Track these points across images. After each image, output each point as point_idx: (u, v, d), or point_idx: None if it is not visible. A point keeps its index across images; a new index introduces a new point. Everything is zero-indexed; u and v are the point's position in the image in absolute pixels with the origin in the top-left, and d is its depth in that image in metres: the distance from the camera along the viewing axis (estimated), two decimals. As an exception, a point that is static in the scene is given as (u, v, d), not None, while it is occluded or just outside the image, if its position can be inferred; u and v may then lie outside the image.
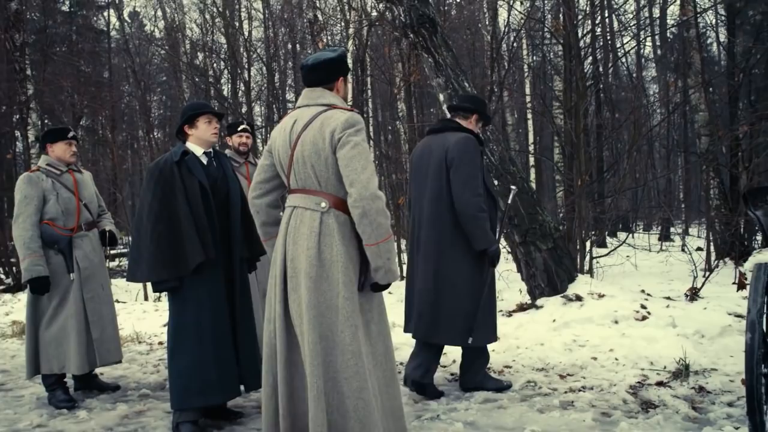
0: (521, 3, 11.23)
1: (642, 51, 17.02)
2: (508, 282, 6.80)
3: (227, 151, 4.70)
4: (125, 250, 11.92)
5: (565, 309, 5.02)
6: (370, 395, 2.36)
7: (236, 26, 15.54)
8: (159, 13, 18.01)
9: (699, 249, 8.47)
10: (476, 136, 3.65)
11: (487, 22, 12.65)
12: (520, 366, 4.20)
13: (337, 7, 13.50)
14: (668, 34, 17.55)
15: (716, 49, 17.51)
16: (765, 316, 2.24)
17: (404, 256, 9.06)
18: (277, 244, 2.57)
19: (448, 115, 4.00)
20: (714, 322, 4.59)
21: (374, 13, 10.67)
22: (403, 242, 9.24)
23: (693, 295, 5.56)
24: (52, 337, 3.72)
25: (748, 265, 2.37)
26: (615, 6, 12.48)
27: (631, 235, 9.56)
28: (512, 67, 11.78)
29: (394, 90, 10.38)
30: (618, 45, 12.41)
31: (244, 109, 13.77)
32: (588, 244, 6.96)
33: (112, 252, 11.07)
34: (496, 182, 3.55)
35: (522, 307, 5.45)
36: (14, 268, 9.32)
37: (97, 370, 4.10)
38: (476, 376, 3.69)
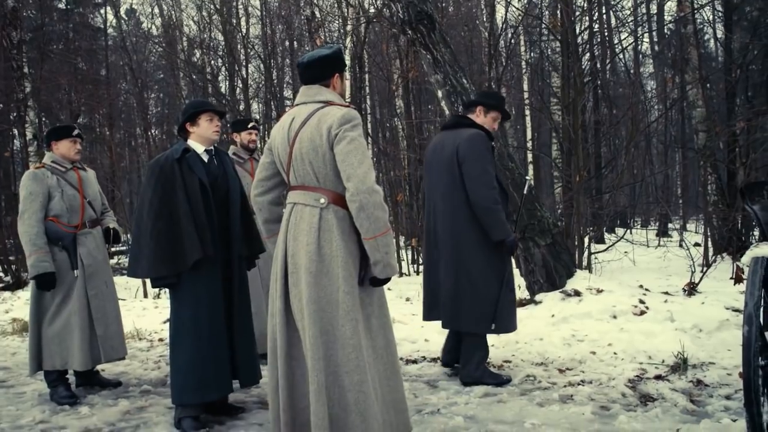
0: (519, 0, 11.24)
1: (639, 47, 17.02)
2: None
3: (232, 148, 4.73)
4: (125, 248, 11.93)
5: (564, 304, 5.04)
6: (370, 388, 2.38)
7: (234, 23, 15.52)
8: (156, 10, 18.00)
9: (697, 245, 8.51)
10: (487, 132, 3.74)
11: (484, 19, 12.65)
12: (519, 360, 4.22)
13: (334, 3, 13.50)
14: (666, 31, 17.55)
15: (713, 45, 17.54)
16: (762, 309, 2.26)
17: (403, 253, 9.09)
18: (278, 240, 2.60)
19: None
20: (712, 316, 4.62)
21: (372, 10, 10.68)
22: (402, 239, 9.25)
23: (691, 289, 5.59)
24: (55, 334, 3.74)
25: (745, 259, 2.38)
26: (612, 2, 12.49)
27: (629, 230, 9.60)
28: (510, 63, 11.81)
29: (392, 87, 10.39)
30: (615, 41, 12.40)
31: (241, 107, 13.78)
32: (586, 239, 6.99)
33: (113, 250, 11.08)
34: (528, 178, 3.71)
35: (521, 303, 5.47)
36: (14, 266, 9.32)
37: (99, 367, 4.12)
38: (476, 370, 3.71)
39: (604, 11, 12.86)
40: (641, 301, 4.90)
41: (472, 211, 3.60)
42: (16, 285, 8.99)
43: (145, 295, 8.03)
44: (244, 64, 14.44)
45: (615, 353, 4.20)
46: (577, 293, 5.12)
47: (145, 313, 6.56)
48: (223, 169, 3.33)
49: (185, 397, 3.11)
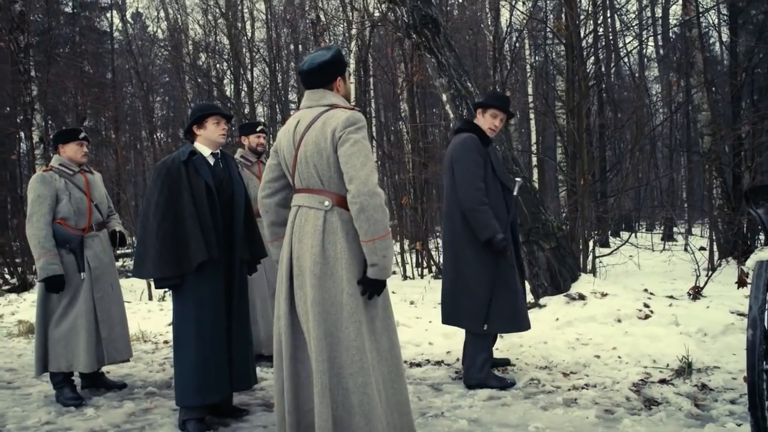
0: (523, 3, 11.25)
1: (644, 51, 17.02)
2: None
3: (240, 151, 4.77)
4: (130, 251, 11.96)
5: (569, 308, 5.04)
6: (374, 390, 2.39)
7: (239, 27, 15.58)
8: (162, 14, 18.08)
9: (702, 249, 8.48)
10: (483, 135, 3.81)
11: (489, 23, 12.65)
12: (523, 364, 4.22)
13: (339, 7, 13.54)
14: (671, 34, 17.54)
15: (719, 48, 17.49)
16: (767, 312, 2.25)
17: (408, 257, 9.09)
18: (283, 243, 2.61)
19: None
20: (717, 320, 4.61)
21: (377, 14, 10.70)
22: (407, 242, 9.25)
23: (696, 293, 5.58)
24: (61, 336, 3.76)
25: (750, 263, 2.38)
26: (617, 6, 12.49)
27: (634, 234, 9.58)
28: (515, 67, 11.81)
29: (396, 90, 10.41)
30: (620, 45, 12.40)
31: (247, 110, 13.81)
32: (591, 243, 6.98)
33: (118, 252, 11.11)
34: (519, 179, 3.76)
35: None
36: (20, 269, 9.36)
37: (104, 369, 4.13)
38: (479, 372, 3.72)
39: (608, 15, 12.86)
40: (646, 305, 4.89)
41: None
42: (23, 287, 9.03)
43: (150, 298, 8.05)
44: (249, 67, 14.49)
45: (619, 357, 4.19)
46: (582, 297, 5.12)
47: (150, 315, 6.58)
48: (228, 173, 3.35)
49: (188, 399, 3.12)
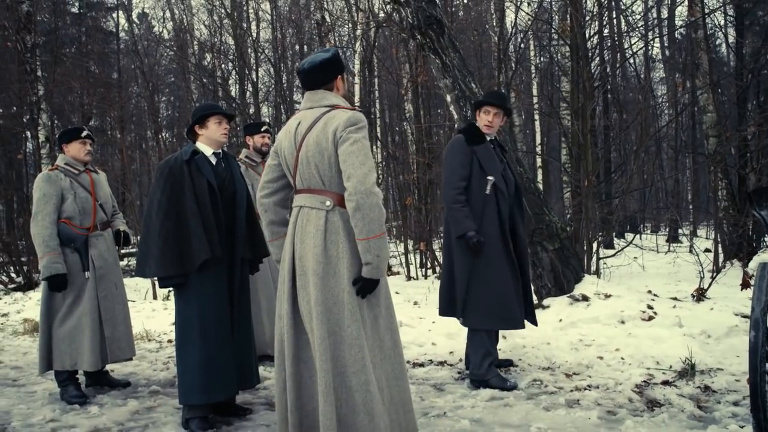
0: (528, 4, 11.24)
1: (650, 52, 16.98)
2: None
3: (245, 151, 4.78)
4: (134, 250, 12.00)
5: (572, 309, 5.03)
6: (376, 388, 2.41)
7: (244, 27, 15.62)
8: (167, 14, 18.14)
9: (707, 250, 8.44)
10: (473, 133, 3.88)
11: (494, 24, 12.65)
12: (526, 365, 4.22)
13: (344, 8, 13.56)
14: (676, 35, 17.50)
15: (725, 49, 17.44)
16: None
17: (412, 257, 9.08)
18: (285, 243, 2.63)
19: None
20: (720, 322, 4.60)
21: (382, 15, 10.72)
22: (410, 242, 9.25)
23: (700, 295, 5.56)
24: (65, 334, 3.78)
25: (753, 265, 2.38)
26: (623, 7, 12.46)
27: (638, 235, 9.54)
28: (519, 68, 11.80)
29: (401, 91, 10.41)
30: (626, 46, 12.37)
31: (252, 110, 13.85)
32: (595, 244, 6.96)
33: (123, 252, 11.16)
34: (491, 178, 3.75)
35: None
36: (25, 267, 9.41)
37: (108, 367, 4.16)
38: (479, 368, 3.75)
39: (614, 16, 12.84)
40: (649, 307, 4.89)
41: None
42: (28, 286, 9.07)
43: (155, 297, 8.08)
44: (254, 68, 14.53)
45: (622, 358, 4.19)
46: (585, 298, 5.11)
47: (154, 314, 6.61)
48: (230, 172, 3.36)
49: (192, 398, 3.13)
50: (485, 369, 3.73)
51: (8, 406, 3.72)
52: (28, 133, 10.86)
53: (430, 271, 8.94)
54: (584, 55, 7.66)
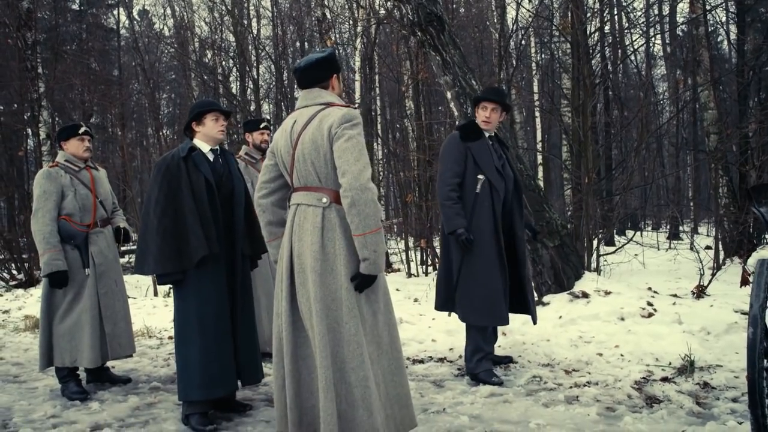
0: (529, 1, 11.23)
1: (651, 49, 16.95)
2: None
3: (244, 148, 4.78)
4: (134, 247, 12.02)
5: (572, 306, 5.04)
6: (373, 383, 2.42)
7: (245, 24, 15.61)
8: (168, 11, 18.14)
9: (708, 248, 8.44)
10: (469, 130, 3.92)
11: (495, 20, 12.63)
12: (526, 361, 4.23)
13: (345, 5, 13.53)
14: (678, 32, 17.44)
15: (726, 46, 17.40)
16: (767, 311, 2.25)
17: (412, 254, 9.10)
18: (283, 241, 2.64)
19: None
20: (720, 319, 4.60)
21: (382, 11, 10.70)
22: (411, 239, 9.26)
23: (700, 292, 5.57)
24: (65, 331, 3.79)
25: (752, 262, 2.38)
26: (624, 3, 12.44)
27: (639, 233, 9.54)
28: (520, 65, 11.78)
29: (402, 88, 10.40)
30: (627, 43, 12.36)
31: (252, 107, 13.85)
32: (595, 241, 6.97)
33: (123, 249, 11.17)
34: (481, 177, 3.78)
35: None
36: (26, 264, 9.43)
37: (109, 363, 4.17)
38: (469, 362, 3.83)
39: (615, 12, 12.81)
40: (649, 303, 4.89)
41: None
42: (29, 282, 9.10)
43: (155, 294, 8.10)
44: (255, 65, 14.51)
45: (622, 355, 4.20)
46: (585, 295, 5.12)
47: (155, 311, 6.63)
48: (228, 169, 3.37)
49: (191, 394, 3.14)
50: (474, 362, 3.80)
51: (10, 402, 3.73)
52: (29, 130, 10.87)
53: (430, 268, 8.95)
54: (585, 52, 7.66)
